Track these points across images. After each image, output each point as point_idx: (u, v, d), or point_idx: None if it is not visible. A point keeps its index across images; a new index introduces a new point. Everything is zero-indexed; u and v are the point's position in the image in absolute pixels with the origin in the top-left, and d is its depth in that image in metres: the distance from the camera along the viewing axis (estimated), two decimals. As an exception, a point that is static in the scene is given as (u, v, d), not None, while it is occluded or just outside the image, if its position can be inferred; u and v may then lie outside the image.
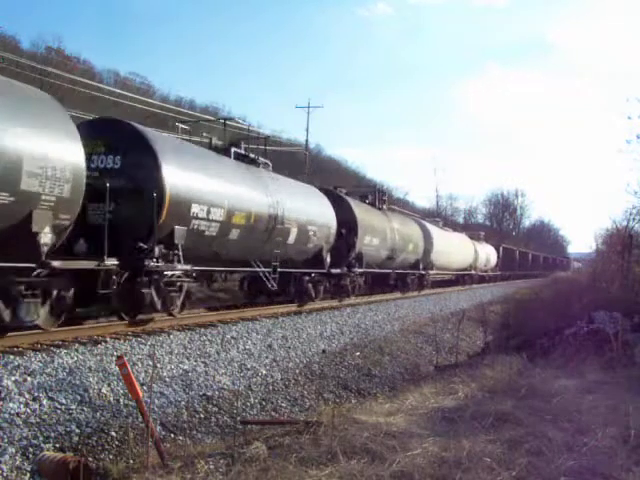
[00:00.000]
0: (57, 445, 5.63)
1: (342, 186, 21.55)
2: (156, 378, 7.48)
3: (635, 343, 9.95)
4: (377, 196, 23.22)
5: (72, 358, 7.81)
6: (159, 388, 7.46)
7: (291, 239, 14.80)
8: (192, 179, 10.92)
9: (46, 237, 7.91)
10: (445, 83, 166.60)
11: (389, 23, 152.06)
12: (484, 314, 18.74)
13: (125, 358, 5.62)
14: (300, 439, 5.65)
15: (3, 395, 6.17)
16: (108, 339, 9.25)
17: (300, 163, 40.45)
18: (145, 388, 6.47)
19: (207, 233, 11.36)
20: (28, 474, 5.15)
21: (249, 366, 9.46)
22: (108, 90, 30.78)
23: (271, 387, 9.00)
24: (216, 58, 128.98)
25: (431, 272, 28.60)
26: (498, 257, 47.65)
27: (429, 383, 8.86)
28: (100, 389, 6.97)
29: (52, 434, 5.75)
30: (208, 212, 11.21)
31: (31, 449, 5.41)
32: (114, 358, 7.45)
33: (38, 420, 5.92)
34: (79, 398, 6.62)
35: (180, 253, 10.53)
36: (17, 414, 5.89)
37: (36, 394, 6.40)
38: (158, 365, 8.18)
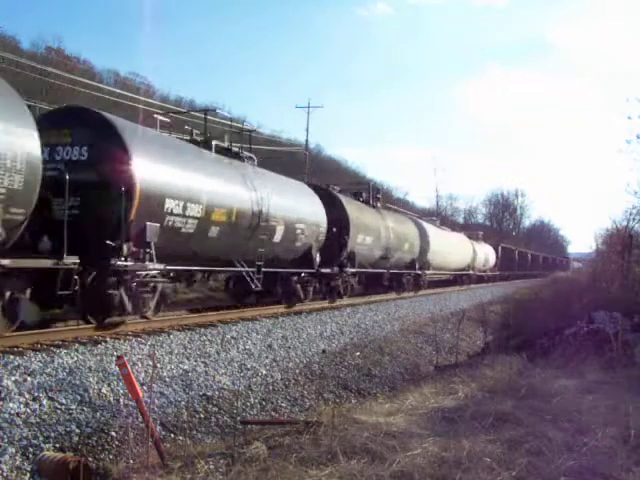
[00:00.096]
0: (57, 445, 5.63)
1: (336, 184, 20.87)
2: (156, 378, 7.47)
3: (635, 343, 9.95)
4: (371, 194, 22.46)
5: (72, 358, 7.82)
6: (159, 388, 7.46)
7: (277, 237, 14.10)
8: (166, 173, 10.28)
9: None
10: (445, 83, 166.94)
11: (389, 23, 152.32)
12: (484, 314, 18.72)
13: (125, 358, 5.62)
14: (300, 439, 5.65)
15: (3, 395, 6.17)
16: (108, 339, 9.25)
17: (300, 163, 40.42)
18: (145, 388, 6.46)
19: (184, 230, 10.71)
20: (28, 474, 5.15)
21: (249, 366, 9.46)
22: (108, 90, 30.75)
23: (271, 387, 9.00)
24: (216, 58, 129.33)
25: (427, 272, 27.90)
26: (497, 257, 47.43)
27: (429, 383, 8.86)
28: (100, 389, 6.97)
29: (52, 434, 5.76)
30: (184, 208, 10.55)
31: (31, 449, 5.41)
32: (114, 358, 7.45)
33: (38, 420, 5.92)
34: (79, 398, 6.63)
35: (152, 252, 9.84)
36: (17, 414, 5.89)
37: (36, 394, 6.40)
38: (158, 365, 8.18)
